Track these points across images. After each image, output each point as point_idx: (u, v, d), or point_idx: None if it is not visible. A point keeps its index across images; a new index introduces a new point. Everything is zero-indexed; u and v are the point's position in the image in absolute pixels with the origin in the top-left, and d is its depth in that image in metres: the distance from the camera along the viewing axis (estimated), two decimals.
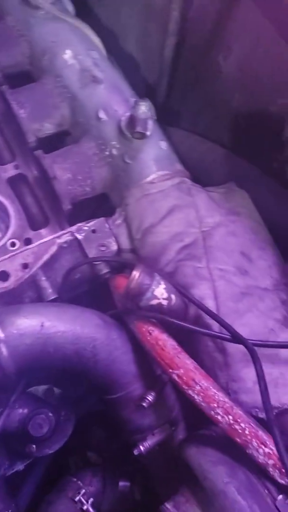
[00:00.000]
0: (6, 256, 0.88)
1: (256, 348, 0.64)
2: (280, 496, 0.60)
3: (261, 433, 0.61)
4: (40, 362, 0.70)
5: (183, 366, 0.65)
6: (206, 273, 0.80)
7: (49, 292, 0.85)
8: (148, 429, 0.73)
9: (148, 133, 0.94)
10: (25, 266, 0.86)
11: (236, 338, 0.65)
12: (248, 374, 0.68)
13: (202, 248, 0.84)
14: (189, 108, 1.51)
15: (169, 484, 0.75)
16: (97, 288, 0.96)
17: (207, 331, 0.69)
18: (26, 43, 1.04)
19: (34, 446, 0.77)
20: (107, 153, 0.98)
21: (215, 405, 0.61)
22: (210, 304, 0.75)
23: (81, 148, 1.00)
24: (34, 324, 0.67)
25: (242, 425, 0.60)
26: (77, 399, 0.89)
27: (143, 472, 0.85)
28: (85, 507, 0.79)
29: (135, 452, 0.73)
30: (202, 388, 0.62)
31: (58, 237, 0.90)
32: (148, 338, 0.70)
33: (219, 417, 0.61)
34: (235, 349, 0.70)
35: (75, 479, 0.85)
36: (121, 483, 0.85)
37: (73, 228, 0.91)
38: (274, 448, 0.60)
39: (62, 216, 1.01)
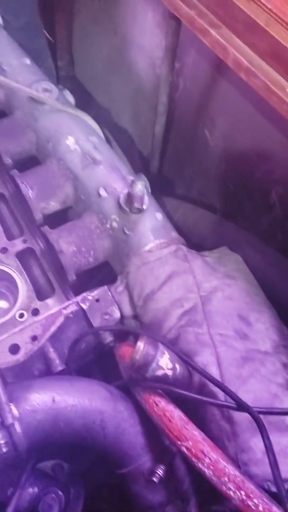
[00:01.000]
0: (16, 329, 0.91)
1: (262, 415, 0.66)
2: None
3: (275, 509, 0.60)
4: (51, 438, 0.71)
5: (192, 438, 0.66)
6: (207, 339, 0.83)
7: (57, 363, 0.88)
8: (159, 506, 0.72)
9: (144, 207, 1.02)
10: (34, 338, 0.90)
11: (241, 406, 0.67)
12: (257, 444, 0.68)
13: (202, 313, 0.88)
14: (182, 176, 1.62)
15: None
16: (102, 356, 0.98)
17: (212, 400, 0.71)
18: (32, 132, 1.16)
19: None
20: (108, 226, 1.06)
21: (226, 479, 0.61)
22: (214, 371, 0.78)
23: (84, 222, 1.07)
24: (45, 399, 0.69)
25: (255, 500, 0.60)
26: (85, 472, 0.88)
27: None
28: None
29: None
30: (211, 461, 0.63)
31: (65, 308, 0.94)
32: (155, 409, 0.72)
33: (231, 493, 0.60)
34: (242, 417, 0.70)
35: None
36: None
37: (78, 298, 0.96)
38: None
39: (67, 286, 1.06)
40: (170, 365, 0.74)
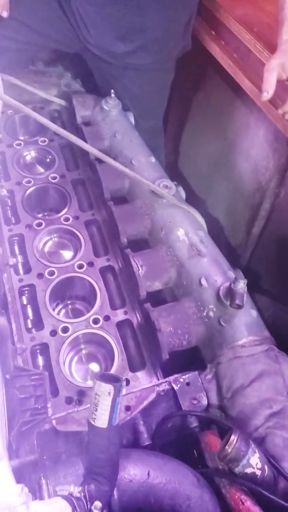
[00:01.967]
0: None
1: None
2: None
3: None
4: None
5: None
6: None
7: (145, 437, 0.94)
8: None
9: (243, 304, 1.11)
10: (127, 408, 0.98)
11: None
12: None
13: None
14: (271, 275, 1.70)
15: None
16: (182, 439, 1.03)
17: None
18: (149, 220, 1.34)
19: None
20: (204, 314, 1.15)
21: None
22: None
23: (183, 307, 1.18)
24: (142, 472, 0.75)
25: None
26: None
27: None
28: None
29: None
30: None
31: (158, 385, 1.02)
32: (241, 507, 0.75)
33: None
34: None
35: None
36: None
37: (171, 378, 1.04)
38: None
39: (158, 363, 1.15)
40: (259, 465, 0.77)
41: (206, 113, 2.03)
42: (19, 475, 0.62)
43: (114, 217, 1.34)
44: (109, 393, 0.64)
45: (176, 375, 1.04)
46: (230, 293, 1.10)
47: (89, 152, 1.34)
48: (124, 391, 0.77)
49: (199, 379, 1.04)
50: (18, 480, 0.59)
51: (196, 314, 1.16)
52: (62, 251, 1.42)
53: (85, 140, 1.49)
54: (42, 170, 1.63)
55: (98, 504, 0.59)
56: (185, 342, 1.14)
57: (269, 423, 0.91)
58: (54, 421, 0.90)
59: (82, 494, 0.59)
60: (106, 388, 0.64)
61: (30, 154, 1.64)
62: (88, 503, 0.59)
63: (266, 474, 0.78)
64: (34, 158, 1.64)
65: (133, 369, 1.15)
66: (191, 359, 1.24)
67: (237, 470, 0.78)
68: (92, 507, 0.58)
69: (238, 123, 1.78)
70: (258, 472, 0.78)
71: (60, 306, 1.32)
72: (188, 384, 1.03)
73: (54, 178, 1.54)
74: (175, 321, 1.15)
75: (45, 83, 1.78)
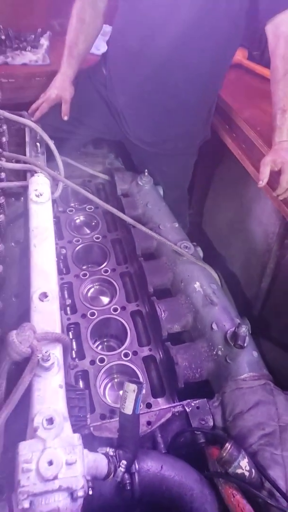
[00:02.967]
0: None
1: None
2: None
3: None
4: (153, 497, 0.99)
5: None
6: (280, 460, 1.07)
7: (162, 447, 1.18)
8: None
9: (245, 345, 1.37)
10: (149, 423, 1.23)
11: None
12: None
13: (278, 439, 1.13)
14: (278, 323, 1.94)
15: None
16: (191, 454, 1.26)
17: (280, 506, 0.93)
18: (171, 273, 1.66)
19: None
20: (214, 352, 1.41)
21: None
22: (282, 485, 1.01)
23: (197, 346, 1.45)
24: (157, 466, 1.00)
25: None
26: None
27: None
28: None
29: None
30: None
31: (173, 407, 1.28)
32: (232, 499, 0.97)
33: None
34: None
35: None
36: None
37: (184, 402, 1.29)
38: None
39: (175, 390, 1.41)
40: (248, 468, 1.01)
41: (225, 184, 2.40)
42: None
43: (143, 270, 1.67)
44: (134, 390, 0.92)
45: (189, 400, 1.29)
46: (235, 335, 1.37)
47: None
48: (144, 391, 1.04)
49: (207, 405, 1.29)
50: None
51: (208, 352, 1.43)
52: (101, 297, 1.76)
53: (123, 208, 1.87)
54: (88, 231, 2.00)
55: (124, 462, 0.85)
56: (198, 375, 1.40)
57: (261, 441, 1.14)
58: (91, 428, 1.17)
59: (114, 454, 0.86)
60: (132, 387, 0.93)
61: (79, 218, 2.04)
62: (117, 461, 0.85)
63: (253, 476, 1.01)
64: (82, 221, 2.05)
65: (155, 395, 1.41)
66: (202, 389, 1.48)
67: (230, 470, 1.01)
68: (120, 463, 0.85)
69: (251, 194, 2.12)
70: (247, 473, 1.01)
71: (98, 342, 1.63)
72: (198, 407, 1.28)
73: (98, 238, 1.92)
74: (190, 357, 1.42)
75: (93, 162, 2.23)
